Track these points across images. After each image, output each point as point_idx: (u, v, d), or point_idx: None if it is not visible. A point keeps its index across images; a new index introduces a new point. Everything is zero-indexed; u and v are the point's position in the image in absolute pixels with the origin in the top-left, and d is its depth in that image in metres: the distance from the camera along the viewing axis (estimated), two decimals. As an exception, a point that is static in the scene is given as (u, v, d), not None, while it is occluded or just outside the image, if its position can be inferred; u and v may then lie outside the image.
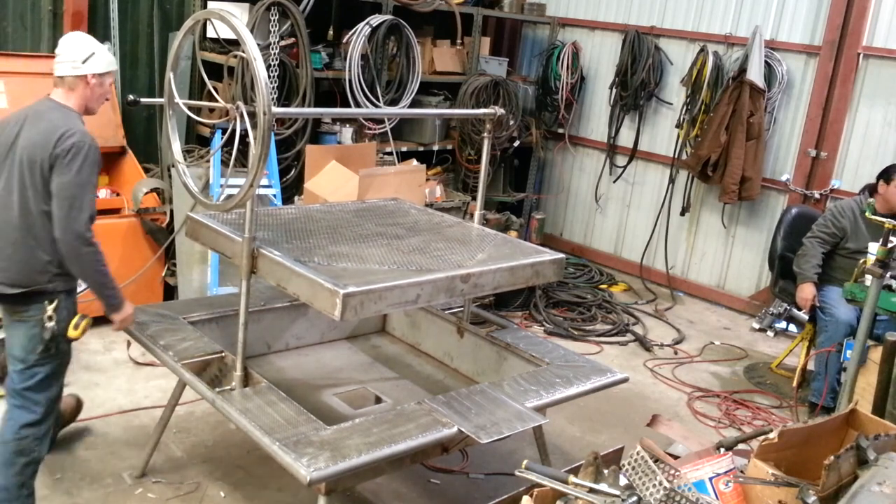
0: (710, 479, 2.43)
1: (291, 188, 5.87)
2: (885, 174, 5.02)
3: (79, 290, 3.23)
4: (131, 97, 3.29)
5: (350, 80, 5.99)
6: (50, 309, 3.03)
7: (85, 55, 3.07)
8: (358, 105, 6.01)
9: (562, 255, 3.58)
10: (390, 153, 6.40)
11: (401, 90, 6.34)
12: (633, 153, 7.52)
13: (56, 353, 3.12)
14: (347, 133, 6.21)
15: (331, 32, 6.28)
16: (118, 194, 5.42)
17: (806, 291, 5.07)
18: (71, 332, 3.10)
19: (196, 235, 3.45)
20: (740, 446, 2.72)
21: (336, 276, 2.84)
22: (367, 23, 6.07)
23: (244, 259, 3.03)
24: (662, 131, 7.38)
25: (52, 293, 3.04)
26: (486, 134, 3.85)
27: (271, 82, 5.46)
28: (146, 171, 5.67)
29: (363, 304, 2.79)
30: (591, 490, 2.12)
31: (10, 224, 3.01)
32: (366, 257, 3.16)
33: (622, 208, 7.79)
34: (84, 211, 2.95)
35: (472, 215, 4.16)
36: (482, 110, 4.02)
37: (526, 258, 3.42)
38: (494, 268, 3.25)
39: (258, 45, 3.00)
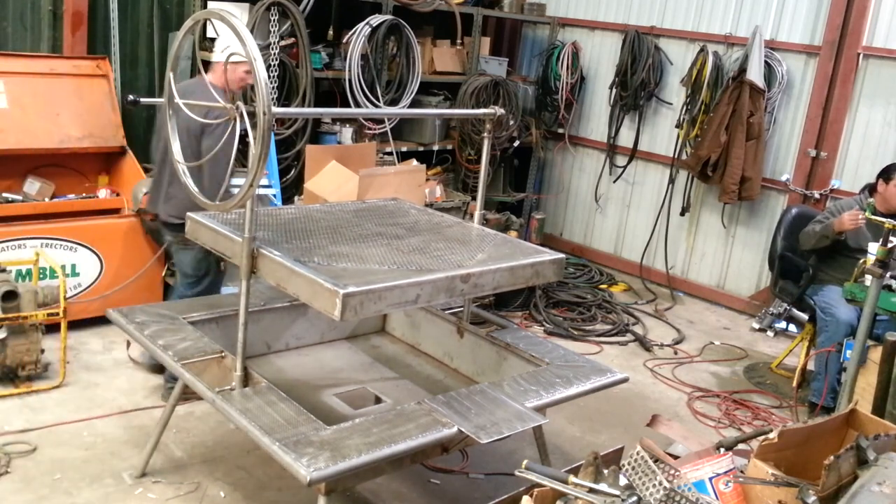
0: (710, 479, 2.42)
1: (291, 188, 5.87)
2: (885, 173, 5.02)
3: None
4: (131, 97, 3.32)
5: (350, 80, 5.99)
6: None
7: (223, 47, 4.16)
8: (358, 105, 6.00)
9: (562, 255, 3.57)
10: (390, 153, 6.40)
11: (401, 90, 6.34)
12: (633, 153, 7.52)
13: (216, 268, 4.41)
14: (347, 133, 6.21)
15: (331, 32, 6.28)
16: (118, 194, 5.43)
17: (845, 217, 4.89)
18: None
19: (196, 235, 3.45)
20: (740, 446, 2.72)
21: (336, 276, 2.83)
22: (367, 23, 6.07)
23: (244, 259, 3.03)
24: (662, 131, 7.38)
25: None
26: (486, 134, 3.84)
27: (271, 82, 5.46)
28: (146, 171, 5.65)
29: (363, 304, 2.79)
30: (591, 490, 2.12)
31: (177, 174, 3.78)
32: (366, 257, 3.15)
33: (622, 208, 7.79)
34: (222, 165, 3.55)
35: (472, 215, 4.15)
36: (482, 110, 4.02)
37: (526, 258, 3.42)
38: (494, 268, 3.25)
39: (258, 45, 3.00)
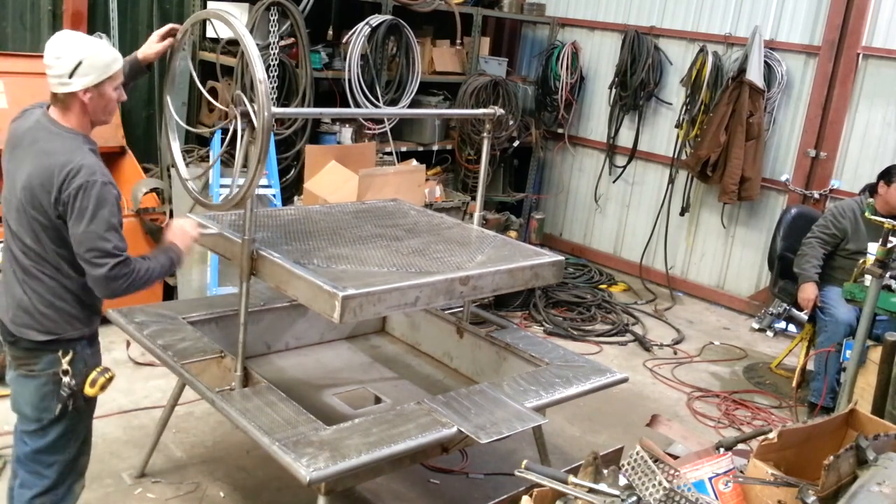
0: (710, 479, 2.43)
1: (291, 188, 5.87)
2: (886, 175, 5.01)
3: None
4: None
5: (350, 80, 5.99)
6: (65, 362, 2.63)
7: (71, 67, 2.47)
8: (357, 105, 6.00)
9: (561, 258, 3.57)
10: (390, 153, 6.39)
11: (400, 90, 6.34)
12: (633, 153, 7.52)
13: (73, 412, 2.69)
14: (347, 133, 6.21)
15: (330, 32, 6.28)
16: (118, 194, 5.42)
17: (808, 291, 5.07)
18: (87, 390, 2.69)
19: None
20: (740, 446, 2.72)
21: (335, 279, 2.83)
22: (367, 23, 6.07)
23: (243, 261, 3.03)
24: (662, 131, 7.38)
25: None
26: (485, 134, 3.84)
27: (271, 82, 5.46)
28: (146, 171, 5.67)
29: (362, 307, 2.79)
30: (591, 490, 2.12)
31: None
32: (365, 259, 3.15)
33: (622, 208, 7.79)
34: None
35: (471, 215, 4.15)
36: (482, 110, 4.02)
37: (525, 260, 3.42)
38: (493, 270, 3.24)
39: (258, 45, 3.00)
